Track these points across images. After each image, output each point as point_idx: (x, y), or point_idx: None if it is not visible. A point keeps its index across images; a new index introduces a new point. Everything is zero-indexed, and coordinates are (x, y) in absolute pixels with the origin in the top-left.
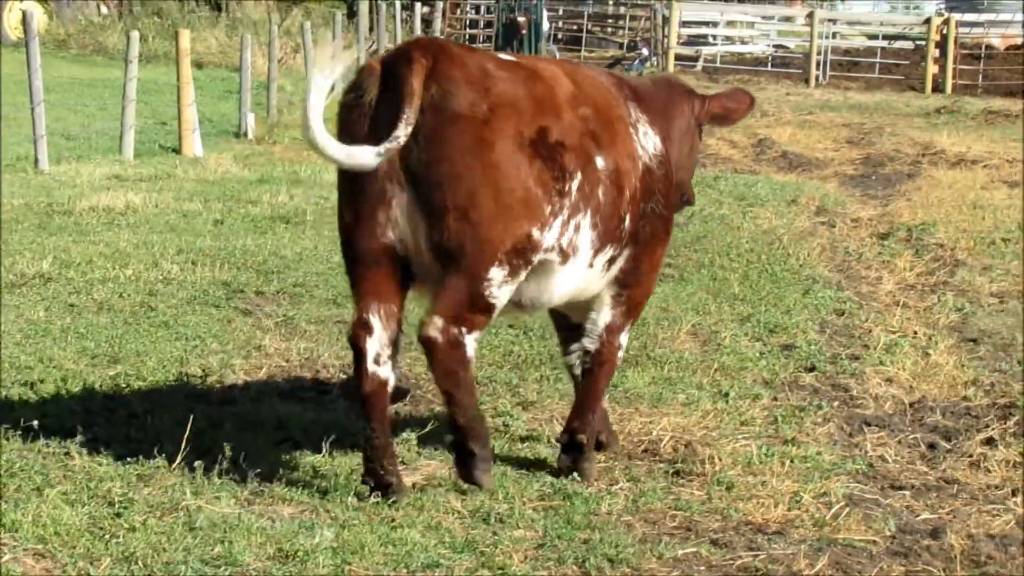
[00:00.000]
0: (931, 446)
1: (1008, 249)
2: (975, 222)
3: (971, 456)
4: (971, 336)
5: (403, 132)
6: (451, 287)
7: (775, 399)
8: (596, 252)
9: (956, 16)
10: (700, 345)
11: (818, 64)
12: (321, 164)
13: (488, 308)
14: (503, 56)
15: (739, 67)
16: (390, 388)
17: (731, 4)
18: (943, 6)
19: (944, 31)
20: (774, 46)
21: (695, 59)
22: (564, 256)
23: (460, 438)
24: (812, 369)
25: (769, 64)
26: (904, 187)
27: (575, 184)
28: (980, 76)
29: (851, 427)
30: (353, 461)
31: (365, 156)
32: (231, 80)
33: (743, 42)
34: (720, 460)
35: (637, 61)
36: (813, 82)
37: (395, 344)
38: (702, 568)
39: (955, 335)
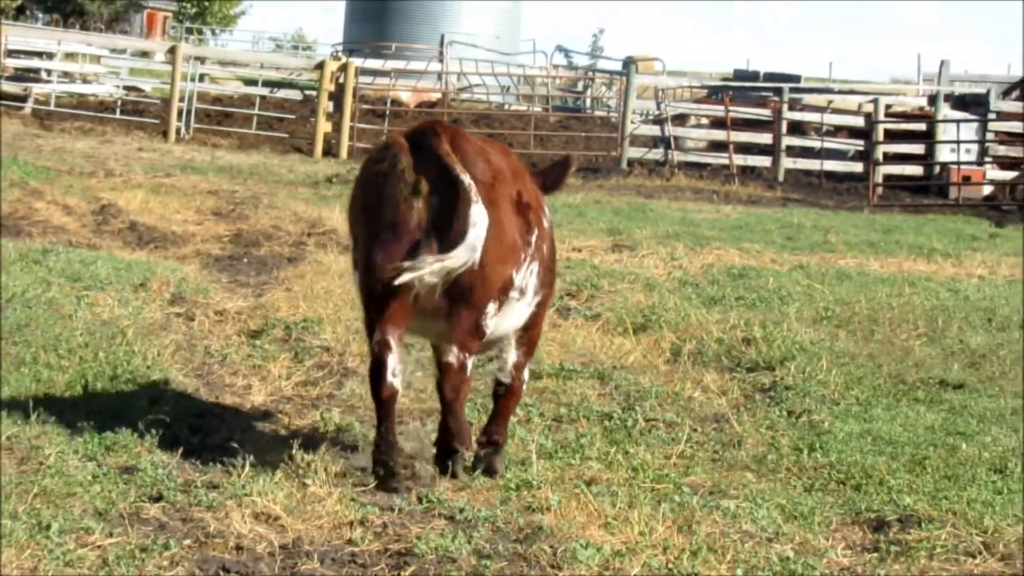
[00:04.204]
0: None
1: (410, 357)
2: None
3: None
4: (360, 464)
5: (467, 178)
6: (459, 322)
7: (110, 535)
8: (535, 292)
9: (356, 62)
10: (17, 464)
11: (181, 114)
12: None
13: (483, 335)
14: (472, 137)
15: (80, 112)
16: (398, 397)
17: (72, 32)
18: (340, 49)
19: (341, 79)
20: (125, 88)
21: (24, 99)
22: (522, 293)
23: (448, 439)
24: (159, 499)
25: (118, 111)
26: (284, 274)
27: (534, 236)
28: (384, 139)
29: (205, 573)
30: None
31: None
32: None
33: (86, 80)
34: None
35: None
36: (173, 135)
37: (403, 363)
38: None
39: (340, 462)
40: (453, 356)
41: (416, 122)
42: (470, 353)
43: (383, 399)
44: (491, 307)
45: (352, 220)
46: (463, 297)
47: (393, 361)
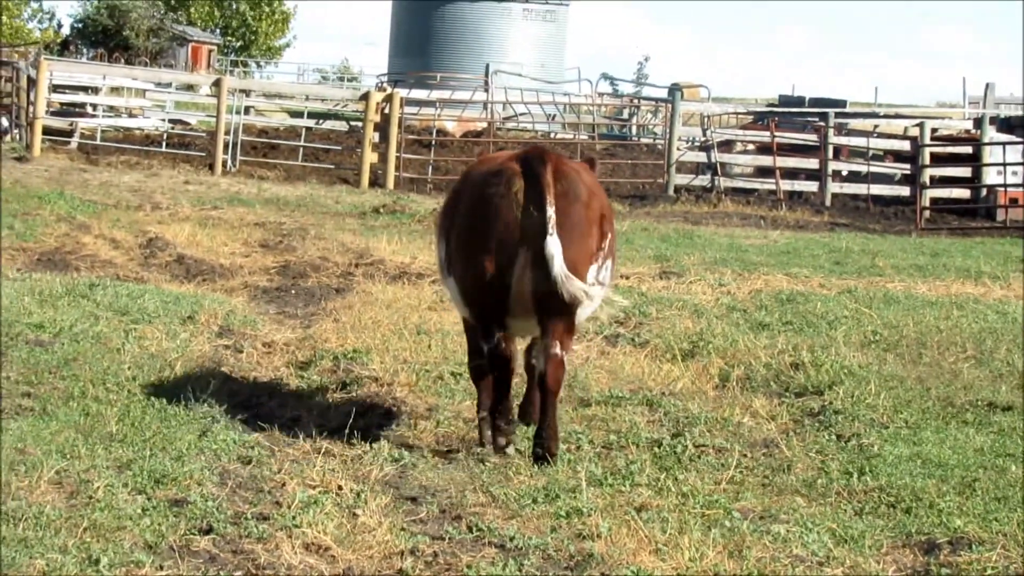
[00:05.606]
0: None
1: (459, 386)
2: (419, 351)
3: None
4: (410, 494)
5: (552, 211)
6: (558, 320)
7: (161, 568)
8: (610, 283)
9: (402, 92)
10: (66, 498)
11: (227, 146)
12: None
13: (575, 330)
14: (567, 159)
15: (126, 146)
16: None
17: (116, 66)
18: (385, 79)
19: (386, 110)
20: (171, 121)
21: (70, 134)
22: (603, 285)
23: (549, 432)
24: (209, 531)
25: (164, 144)
26: (331, 304)
27: (608, 240)
28: (430, 169)
29: None
30: None
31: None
32: None
33: (131, 114)
34: None
35: None
36: (220, 168)
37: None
38: None
39: (390, 492)
40: (556, 350)
41: (518, 151)
42: (568, 348)
43: (506, 386)
44: (581, 310)
45: (459, 232)
46: (561, 301)
47: (513, 355)
